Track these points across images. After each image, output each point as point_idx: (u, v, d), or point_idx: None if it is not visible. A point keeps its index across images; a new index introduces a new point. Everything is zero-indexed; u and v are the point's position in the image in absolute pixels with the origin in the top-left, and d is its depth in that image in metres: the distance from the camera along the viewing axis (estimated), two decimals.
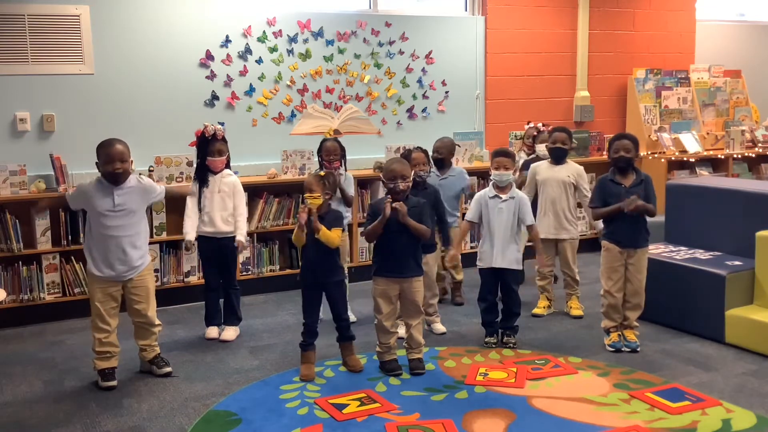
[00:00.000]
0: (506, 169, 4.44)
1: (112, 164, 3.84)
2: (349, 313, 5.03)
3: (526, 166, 5.45)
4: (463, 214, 6.01)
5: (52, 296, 5.18)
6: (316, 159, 5.08)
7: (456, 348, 4.48)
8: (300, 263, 4.17)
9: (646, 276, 4.45)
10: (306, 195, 3.98)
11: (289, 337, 4.63)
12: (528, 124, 6.04)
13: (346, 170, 5.00)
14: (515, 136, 6.75)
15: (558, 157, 5.11)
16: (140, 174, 4.27)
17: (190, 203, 4.70)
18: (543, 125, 5.92)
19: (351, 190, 5.01)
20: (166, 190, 4.23)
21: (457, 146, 6.46)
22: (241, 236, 4.69)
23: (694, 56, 7.99)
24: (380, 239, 4.03)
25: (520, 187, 5.03)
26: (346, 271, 5.05)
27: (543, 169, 5.15)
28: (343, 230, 4.40)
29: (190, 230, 4.66)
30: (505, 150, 4.59)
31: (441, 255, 5.07)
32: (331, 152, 4.86)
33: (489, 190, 4.50)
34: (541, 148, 5.45)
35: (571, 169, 5.11)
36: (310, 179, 4.02)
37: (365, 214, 5.82)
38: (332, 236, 3.97)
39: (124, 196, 3.91)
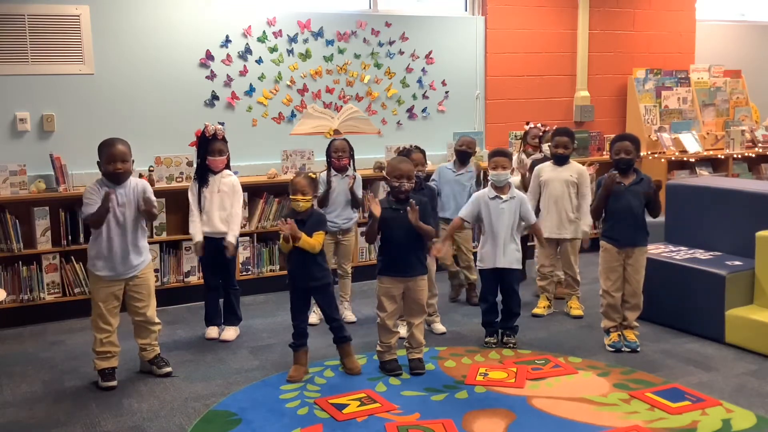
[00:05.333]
0: (504, 168, 4.44)
1: (113, 164, 3.84)
2: (350, 313, 5.04)
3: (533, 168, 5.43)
4: None
5: (52, 296, 5.18)
6: (324, 158, 5.04)
7: (456, 348, 4.48)
8: (287, 267, 4.16)
9: (646, 276, 4.46)
10: (298, 197, 3.93)
11: (289, 337, 4.61)
12: (527, 124, 6.04)
13: (354, 170, 4.99)
14: (515, 136, 6.75)
15: (560, 160, 5.12)
16: (141, 175, 4.26)
17: (193, 207, 4.71)
18: (542, 125, 5.93)
19: (360, 191, 5.02)
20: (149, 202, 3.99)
21: None
22: (232, 237, 4.64)
23: (694, 56, 7.99)
24: (385, 239, 4.03)
25: (526, 189, 5.07)
26: (348, 270, 5.08)
27: (547, 169, 5.16)
28: (327, 232, 4.39)
29: (197, 233, 4.65)
30: (503, 150, 4.60)
31: (453, 253, 5.26)
32: (340, 150, 4.87)
33: (489, 191, 4.49)
34: (547, 148, 5.48)
35: (574, 169, 5.12)
36: (303, 181, 3.96)
37: (365, 215, 5.84)
38: (312, 242, 3.92)
39: (127, 196, 3.92)
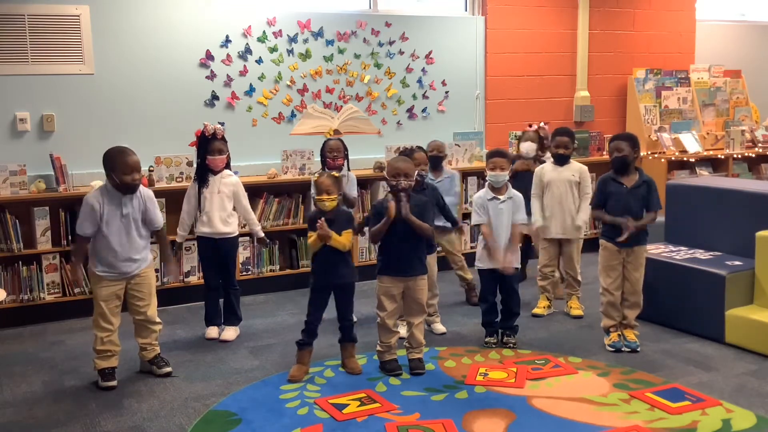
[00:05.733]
0: (502, 169, 4.44)
1: (130, 175, 3.84)
2: None
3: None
4: (465, 215, 6.05)
5: (52, 296, 5.18)
6: (318, 158, 5.05)
7: (456, 348, 4.48)
8: (312, 264, 4.16)
9: (646, 276, 4.46)
10: (324, 197, 3.96)
11: (289, 337, 4.63)
12: (530, 126, 6.03)
13: (349, 169, 5.00)
14: (515, 136, 6.75)
15: (561, 160, 5.13)
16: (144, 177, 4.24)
17: (184, 212, 4.76)
18: (545, 124, 5.91)
19: (354, 191, 5.01)
20: (160, 233, 4.20)
21: (456, 146, 6.48)
22: (261, 233, 4.96)
23: (694, 56, 7.99)
24: (385, 238, 4.03)
25: (515, 174, 5.05)
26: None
27: (548, 170, 5.16)
28: (356, 232, 4.41)
29: (180, 232, 4.89)
30: (501, 150, 4.60)
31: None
32: (335, 150, 4.87)
33: (486, 192, 4.49)
34: (525, 147, 5.49)
35: (575, 169, 5.13)
36: (327, 180, 3.99)
37: (365, 215, 5.84)
38: (343, 240, 3.98)
39: (132, 205, 3.93)
